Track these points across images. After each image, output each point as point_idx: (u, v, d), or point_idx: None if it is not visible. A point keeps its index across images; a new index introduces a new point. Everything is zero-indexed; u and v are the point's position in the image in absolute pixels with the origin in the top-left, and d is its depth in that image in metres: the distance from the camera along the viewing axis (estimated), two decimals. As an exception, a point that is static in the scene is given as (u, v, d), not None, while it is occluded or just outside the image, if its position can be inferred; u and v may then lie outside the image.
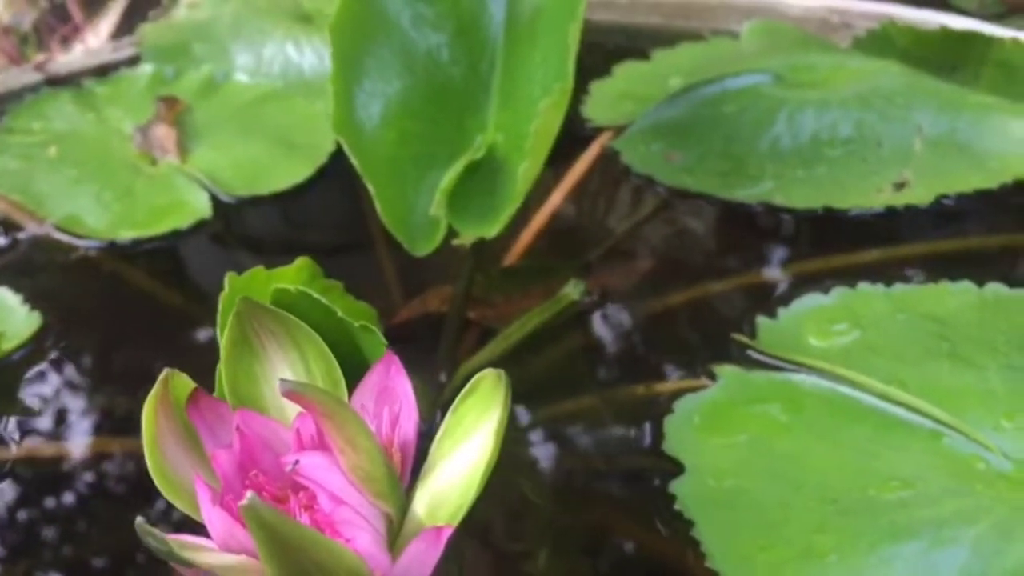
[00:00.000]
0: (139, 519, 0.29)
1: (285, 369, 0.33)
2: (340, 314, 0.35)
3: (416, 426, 0.31)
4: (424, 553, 0.31)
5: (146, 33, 0.87)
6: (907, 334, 0.48)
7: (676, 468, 0.43)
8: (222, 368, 0.32)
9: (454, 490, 0.30)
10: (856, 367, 0.46)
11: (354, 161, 0.51)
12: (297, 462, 0.28)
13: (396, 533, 0.33)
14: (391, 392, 0.32)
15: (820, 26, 0.80)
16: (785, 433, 0.44)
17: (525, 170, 0.50)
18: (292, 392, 0.29)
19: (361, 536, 0.30)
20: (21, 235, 0.65)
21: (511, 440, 0.48)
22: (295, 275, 0.41)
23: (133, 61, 0.85)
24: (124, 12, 1.58)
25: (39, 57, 1.02)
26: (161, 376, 0.31)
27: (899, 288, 0.51)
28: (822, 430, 0.43)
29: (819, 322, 0.50)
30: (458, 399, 0.31)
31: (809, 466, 0.42)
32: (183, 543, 0.31)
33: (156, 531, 0.29)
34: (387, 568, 0.31)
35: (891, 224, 0.59)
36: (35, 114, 0.79)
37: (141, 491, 0.47)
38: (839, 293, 0.51)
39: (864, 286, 0.51)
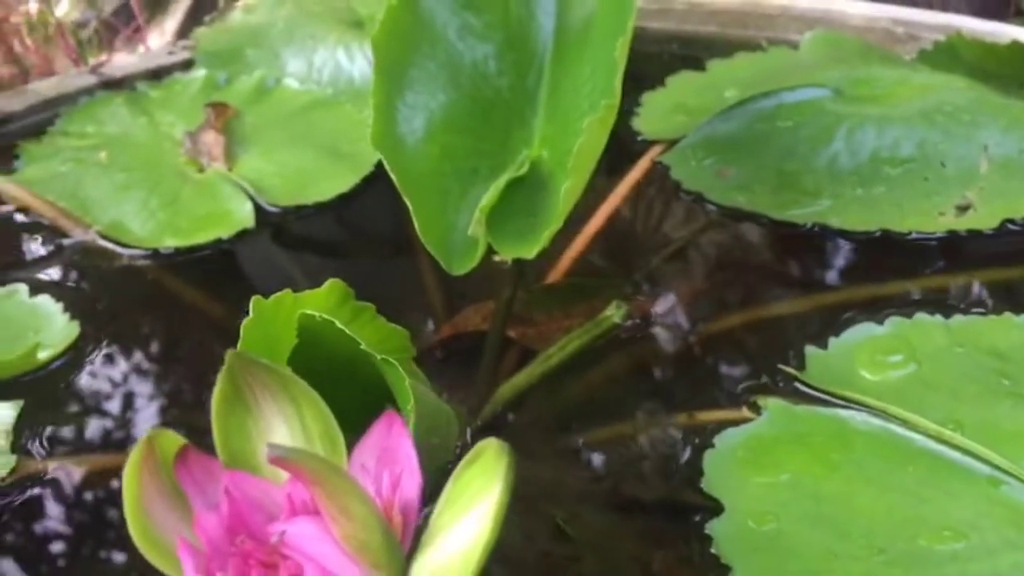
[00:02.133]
0: None
1: (280, 425, 0.31)
2: (363, 346, 0.33)
3: (420, 487, 0.30)
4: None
5: (200, 37, 0.88)
6: (966, 370, 0.46)
7: (715, 505, 0.41)
8: (213, 423, 0.31)
9: (454, 565, 0.28)
10: (910, 404, 0.44)
11: (393, 177, 0.50)
12: (284, 532, 0.27)
13: None
14: (392, 453, 0.30)
15: (884, 37, 0.77)
16: (832, 474, 0.41)
17: (568, 190, 0.49)
18: (280, 459, 0.27)
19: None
20: (66, 242, 0.65)
21: (547, 465, 0.48)
22: (324, 298, 0.40)
23: (187, 65, 0.86)
24: (189, 11, 1.60)
25: (98, 58, 1.03)
26: (144, 437, 0.29)
27: (958, 319, 0.49)
28: (871, 472, 0.41)
29: (872, 353, 0.48)
30: (461, 465, 0.30)
31: (856, 511, 0.40)
32: None
33: None
34: None
35: (952, 249, 0.57)
36: (89, 117, 0.79)
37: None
38: (894, 323, 0.49)
39: (921, 316, 0.49)
